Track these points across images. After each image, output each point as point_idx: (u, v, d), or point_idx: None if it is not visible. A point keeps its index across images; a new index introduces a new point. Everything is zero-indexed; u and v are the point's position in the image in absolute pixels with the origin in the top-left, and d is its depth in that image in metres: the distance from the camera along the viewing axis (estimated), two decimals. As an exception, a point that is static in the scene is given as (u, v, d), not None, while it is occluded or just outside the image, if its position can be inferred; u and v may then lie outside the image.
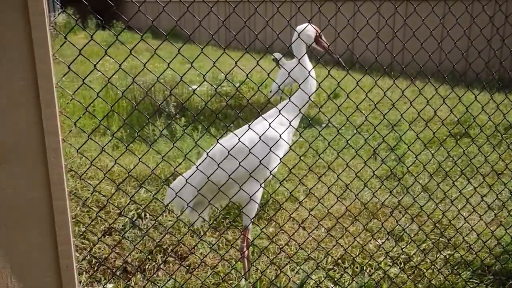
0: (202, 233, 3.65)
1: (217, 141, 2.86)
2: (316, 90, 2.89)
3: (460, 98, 2.81)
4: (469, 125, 6.05)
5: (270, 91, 7.46)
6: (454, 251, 3.44)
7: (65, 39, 1.79)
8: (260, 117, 2.79)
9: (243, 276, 3.01)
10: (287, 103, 2.74)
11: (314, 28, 2.93)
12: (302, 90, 2.83)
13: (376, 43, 10.30)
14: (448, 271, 3.26)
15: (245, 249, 2.96)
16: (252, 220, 2.89)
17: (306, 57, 2.88)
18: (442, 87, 7.70)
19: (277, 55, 7.04)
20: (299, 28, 2.88)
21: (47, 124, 1.69)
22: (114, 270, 3.14)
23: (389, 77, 8.57)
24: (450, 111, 2.87)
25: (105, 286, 2.88)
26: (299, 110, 2.74)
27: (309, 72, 2.82)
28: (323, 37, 2.95)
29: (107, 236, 3.54)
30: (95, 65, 1.81)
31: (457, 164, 2.99)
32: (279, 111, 2.65)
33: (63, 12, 15.58)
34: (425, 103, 2.72)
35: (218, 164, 2.43)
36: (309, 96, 2.82)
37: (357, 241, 3.14)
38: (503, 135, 5.79)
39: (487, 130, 5.96)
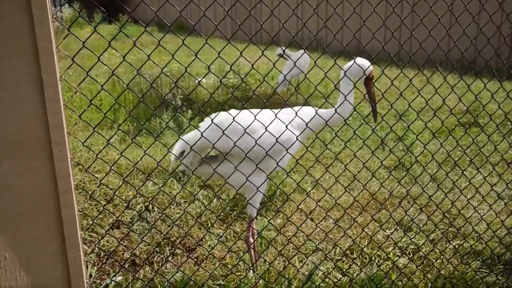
0: (209, 225, 3.66)
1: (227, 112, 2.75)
2: (351, 114, 2.86)
3: (469, 86, 2.77)
4: (478, 114, 5.99)
5: (278, 83, 7.43)
6: (464, 241, 3.42)
7: (68, 32, 1.78)
8: (284, 110, 2.75)
9: (251, 268, 3.01)
10: (310, 113, 2.73)
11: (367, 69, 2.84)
12: (338, 113, 2.81)
13: (383, 32, 10.20)
14: (458, 261, 3.24)
15: (251, 239, 2.96)
16: (258, 211, 2.88)
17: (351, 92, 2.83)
18: (450, 76, 7.62)
19: (280, 49, 7.02)
20: (348, 65, 2.82)
21: (52, 118, 1.68)
22: (122, 263, 3.16)
23: (397, 66, 8.50)
24: (459, 100, 2.83)
25: (113, 278, 2.89)
26: (325, 124, 2.74)
27: (346, 97, 2.79)
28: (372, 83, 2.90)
29: (115, 229, 3.56)
30: (98, 57, 1.80)
31: (466, 154, 2.95)
32: (298, 114, 2.64)
33: (69, 7, 15.61)
34: (433, 92, 2.68)
35: (223, 131, 2.37)
36: (345, 119, 2.81)
37: (366, 232, 3.12)
38: (513, 124, 5.72)
39: (497, 119, 5.89)
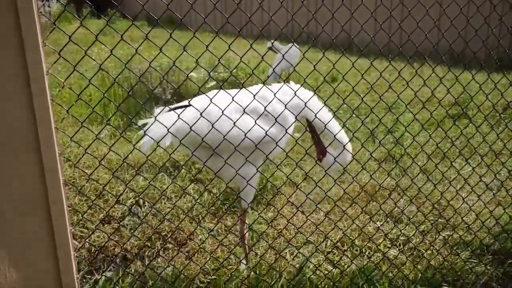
0: (200, 219, 3.66)
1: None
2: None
3: (457, 78, 2.78)
4: (467, 105, 6.03)
5: (268, 76, 7.42)
6: (453, 231, 3.45)
7: (54, 26, 1.76)
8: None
9: (241, 261, 3.01)
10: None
11: None
12: (344, 148, 2.80)
13: (372, 24, 10.20)
14: (447, 252, 3.27)
15: (245, 231, 2.96)
16: (250, 204, 2.88)
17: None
18: (439, 68, 7.67)
19: (269, 43, 7.03)
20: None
21: (39, 113, 1.67)
22: (113, 258, 3.15)
23: (386, 58, 8.52)
24: (448, 91, 2.85)
25: (104, 274, 2.88)
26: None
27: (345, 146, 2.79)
28: None
29: (105, 224, 3.54)
30: (85, 52, 1.78)
31: (455, 145, 2.97)
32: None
33: (57, 1, 15.42)
34: (422, 84, 2.69)
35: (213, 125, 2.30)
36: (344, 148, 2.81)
37: (356, 224, 3.13)
38: (501, 115, 5.77)
39: (485, 110, 5.94)
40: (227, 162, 2.46)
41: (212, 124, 2.30)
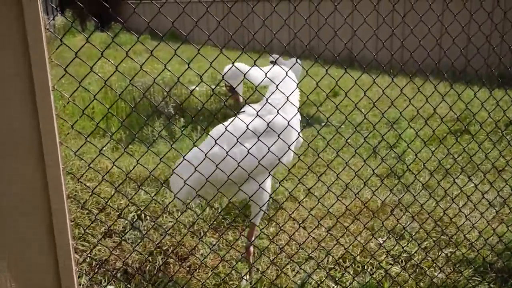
0: (202, 234, 3.65)
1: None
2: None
3: (459, 95, 2.80)
4: (469, 122, 6.04)
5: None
6: (456, 249, 3.43)
7: (61, 42, 1.78)
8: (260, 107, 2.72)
9: (243, 277, 3.00)
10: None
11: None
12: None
13: (374, 41, 10.28)
14: (450, 269, 3.25)
15: (251, 248, 2.96)
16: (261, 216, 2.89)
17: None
18: (441, 84, 7.69)
19: (274, 56, 7.08)
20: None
21: (44, 127, 1.68)
22: (114, 272, 3.14)
23: (388, 74, 8.57)
24: (450, 108, 2.86)
25: (105, 288, 2.87)
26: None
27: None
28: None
29: (107, 238, 3.53)
30: (91, 68, 1.80)
31: (457, 162, 2.97)
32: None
33: (61, 15, 15.59)
34: (425, 100, 2.71)
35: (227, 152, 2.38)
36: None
37: (358, 240, 3.13)
38: (504, 132, 5.77)
39: (487, 126, 5.95)
40: (240, 188, 2.51)
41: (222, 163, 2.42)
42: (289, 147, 2.69)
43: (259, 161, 2.45)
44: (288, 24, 2.09)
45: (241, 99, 2.89)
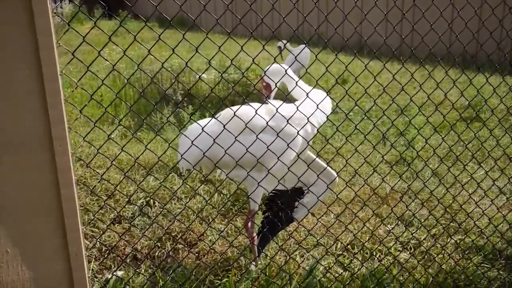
0: (210, 220, 3.66)
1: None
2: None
3: (471, 81, 2.76)
4: (480, 108, 5.97)
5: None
6: (465, 235, 3.41)
7: (68, 27, 1.77)
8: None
9: (252, 262, 3.01)
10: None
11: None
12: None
13: (384, 26, 10.15)
14: (459, 256, 3.24)
15: (254, 233, 2.97)
16: (259, 205, 2.89)
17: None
18: (452, 70, 7.60)
19: (281, 43, 7.03)
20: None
21: (53, 113, 1.68)
22: (123, 258, 3.16)
23: (398, 60, 8.47)
24: (461, 94, 2.82)
25: (114, 273, 2.89)
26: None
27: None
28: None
29: (116, 224, 3.56)
30: (99, 52, 1.79)
31: (468, 148, 2.95)
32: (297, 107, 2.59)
33: (69, 2, 15.58)
34: (435, 86, 2.67)
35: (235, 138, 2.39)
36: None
37: (367, 227, 3.11)
38: (515, 118, 5.71)
39: (499, 113, 5.88)
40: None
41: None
42: (283, 152, 2.68)
43: (258, 159, 2.50)
44: (297, 8, 2.06)
45: (272, 95, 2.92)
